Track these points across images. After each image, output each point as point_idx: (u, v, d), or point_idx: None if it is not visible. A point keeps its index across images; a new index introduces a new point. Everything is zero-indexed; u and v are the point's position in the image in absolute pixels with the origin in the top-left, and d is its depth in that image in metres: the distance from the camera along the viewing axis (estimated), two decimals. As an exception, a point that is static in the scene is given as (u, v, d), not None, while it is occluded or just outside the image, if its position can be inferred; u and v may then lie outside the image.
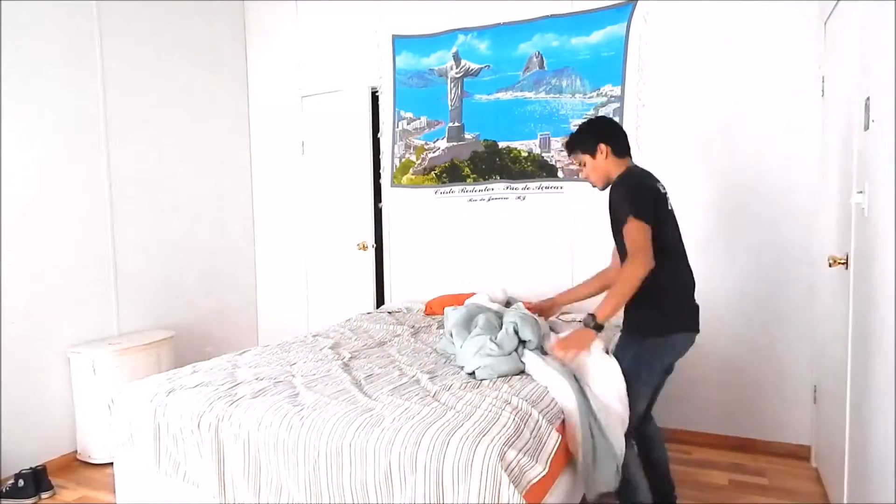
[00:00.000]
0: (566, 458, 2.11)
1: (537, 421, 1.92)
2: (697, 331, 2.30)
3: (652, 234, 2.10)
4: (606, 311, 2.11)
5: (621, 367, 2.21)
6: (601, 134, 2.33)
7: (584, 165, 2.37)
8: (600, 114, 3.53)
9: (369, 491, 1.79)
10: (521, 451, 1.73)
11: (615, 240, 2.33)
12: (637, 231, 2.09)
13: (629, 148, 2.37)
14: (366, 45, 4.18)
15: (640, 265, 2.07)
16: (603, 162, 2.32)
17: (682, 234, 2.32)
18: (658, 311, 2.22)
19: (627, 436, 2.20)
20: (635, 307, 2.21)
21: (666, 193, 2.28)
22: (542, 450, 1.84)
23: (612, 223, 2.30)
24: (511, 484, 1.63)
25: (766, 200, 3.22)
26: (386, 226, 4.28)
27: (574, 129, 3.56)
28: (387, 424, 1.85)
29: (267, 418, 2.01)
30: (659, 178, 2.31)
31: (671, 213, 2.27)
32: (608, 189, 2.34)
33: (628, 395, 2.19)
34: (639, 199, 2.15)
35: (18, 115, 3.16)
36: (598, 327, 2.14)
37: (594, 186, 2.42)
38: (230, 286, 4.54)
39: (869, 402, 2.03)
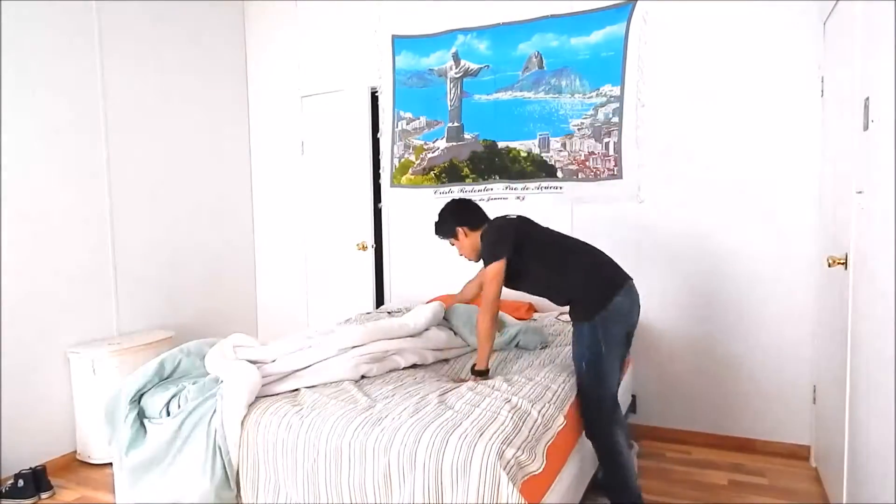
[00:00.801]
0: (566, 457, 2.11)
1: (535, 420, 1.92)
2: (625, 284, 2.42)
3: (527, 265, 2.43)
4: (480, 360, 2.39)
5: (582, 350, 2.36)
6: (456, 219, 2.62)
7: (455, 246, 2.66)
8: (599, 114, 3.54)
9: (368, 490, 1.79)
10: (519, 448, 1.73)
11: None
12: (490, 277, 2.39)
13: (484, 217, 2.64)
14: (365, 45, 4.18)
15: (485, 315, 2.37)
16: (466, 240, 2.59)
17: (562, 235, 2.61)
18: (586, 298, 2.40)
19: (614, 423, 2.37)
20: (571, 305, 2.46)
21: (522, 217, 2.62)
22: (539, 444, 1.84)
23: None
24: (510, 482, 1.63)
25: (765, 199, 3.22)
26: (385, 226, 4.28)
27: (574, 128, 3.61)
28: (386, 424, 1.85)
29: (266, 418, 2.01)
30: (512, 212, 2.72)
31: (541, 230, 2.59)
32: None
33: (599, 374, 2.33)
34: (490, 245, 2.47)
35: (18, 116, 3.16)
36: (484, 374, 2.37)
37: (470, 260, 2.65)
38: (230, 286, 4.54)
39: (868, 402, 2.03)
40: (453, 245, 2.66)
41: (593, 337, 2.32)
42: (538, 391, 2.16)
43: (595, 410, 2.33)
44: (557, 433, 1.94)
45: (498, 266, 2.37)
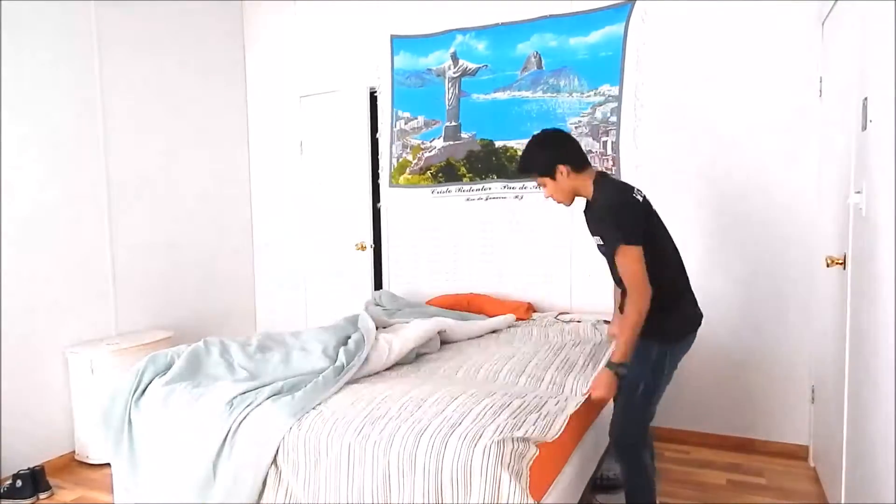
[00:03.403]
0: (566, 456, 2.11)
1: (537, 420, 1.92)
2: (700, 323, 2.29)
3: (645, 249, 2.06)
4: (622, 353, 2.07)
5: (644, 373, 2.15)
6: (557, 156, 2.19)
7: (543, 186, 2.27)
8: (597, 113, 3.54)
9: (366, 492, 1.79)
10: (520, 447, 1.73)
11: (607, 260, 2.26)
12: (630, 260, 2.05)
13: (586, 157, 2.25)
14: (364, 45, 4.18)
15: (640, 301, 2.03)
16: (566, 182, 2.20)
17: (668, 231, 2.26)
18: (675, 318, 2.20)
19: (645, 444, 2.27)
20: (652, 318, 2.08)
21: (646, 199, 2.20)
22: (540, 442, 1.84)
23: (601, 246, 2.24)
24: (512, 480, 1.63)
25: (763, 200, 3.22)
26: (384, 226, 4.28)
27: (571, 127, 3.61)
28: (385, 424, 1.85)
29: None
30: (635, 185, 2.26)
31: (658, 219, 2.21)
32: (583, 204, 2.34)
33: (651, 401, 2.19)
34: (626, 222, 2.08)
35: (17, 116, 3.15)
36: (621, 371, 2.09)
37: (560, 204, 2.30)
38: (228, 286, 4.53)
39: (867, 402, 2.03)
40: (542, 186, 2.27)
41: (660, 362, 2.16)
42: (542, 391, 2.16)
43: (634, 434, 2.21)
44: (559, 433, 1.94)
45: (639, 251, 2.04)
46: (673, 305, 2.17)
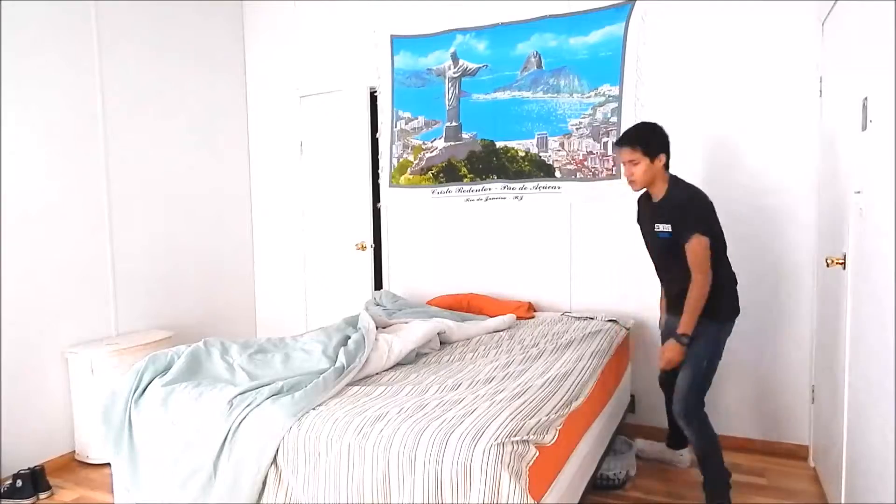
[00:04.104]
0: (566, 456, 2.11)
1: (538, 420, 1.92)
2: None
3: (711, 244, 2.47)
4: (687, 325, 2.50)
5: (707, 348, 2.60)
6: (666, 144, 2.56)
7: (635, 164, 2.55)
8: (598, 114, 3.54)
9: (366, 492, 1.79)
10: (520, 446, 1.73)
11: (657, 249, 2.69)
12: (701, 248, 2.45)
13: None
14: (364, 45, 4.18)
15: (704, 282, 2.47)
16: (658, 170, 2.56)
17: (723, 233, 2.63)
18: (726, 300, 2.62)
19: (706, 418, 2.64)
20: (713, 300, 2.51)
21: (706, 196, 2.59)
22: (541, 442, 1.84)
23: (661, 235, 2.59)
24: (511, 480, 1.63)
25: (763, 200, 3.22)
26: (384, 226, 4.28)
27: (572, 128, 3.61)
28: (385, 424, 1.85)
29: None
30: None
31: (719, 221, 2.59)
32: (639, 194, 2.76)
33: (711, 372, 2.67)
34: (705, 216, 2.52)
35: (17, 116, 3.16)
36: (684, 341, 2.52)
37: (630, 184, 2.64)
38: (228, 287, 4.53)
39: (867, 402, 2.03)
40: (632, 162, 2.57)
41: (718, 338, 2.62)
42: (545, 390, 2.16)
43: (700, 402, 2.61)
44: (559, 433, 1.94)
45: (708, 241, 2.46)
46: (724, 293, 2.57)
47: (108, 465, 2.41)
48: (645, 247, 2.83)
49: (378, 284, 4.35)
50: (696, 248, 2.45)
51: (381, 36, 4.11)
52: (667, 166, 2.59)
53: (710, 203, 2.57)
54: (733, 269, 2.70)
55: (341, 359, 2.36)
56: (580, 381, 2.35)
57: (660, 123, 2.63)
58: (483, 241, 3.93)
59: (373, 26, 4.13)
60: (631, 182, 2.62)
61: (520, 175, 3.76)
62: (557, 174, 3.66)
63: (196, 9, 4.23)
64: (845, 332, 2.30)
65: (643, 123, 2.69)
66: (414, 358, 2.74)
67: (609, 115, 3.50)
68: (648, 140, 2.54)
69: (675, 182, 2.60)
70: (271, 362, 2.42)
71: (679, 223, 2.51)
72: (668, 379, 2.80)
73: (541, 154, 3.70)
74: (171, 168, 4.05)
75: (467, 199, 3.92)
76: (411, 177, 4.09)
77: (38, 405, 3.26)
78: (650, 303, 3.47)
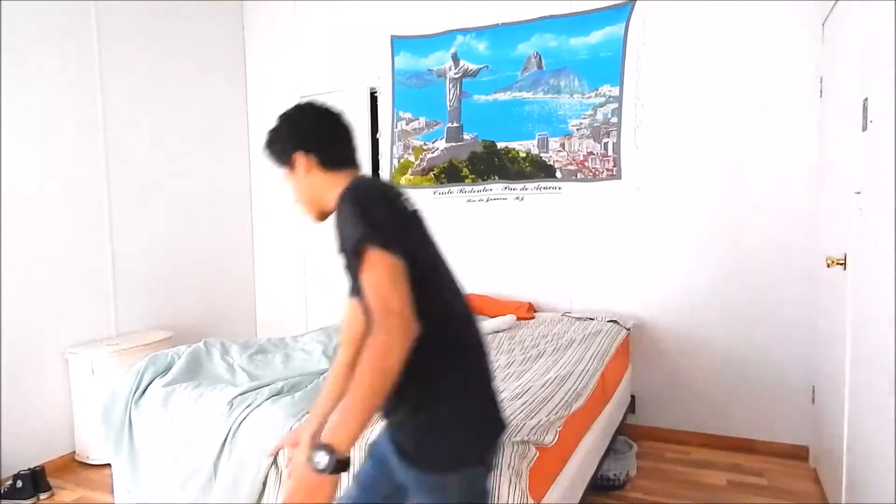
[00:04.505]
0: (566, 457, 2.11)
1: (539, 420, 1.92)
2: (492, 457, 1.36)
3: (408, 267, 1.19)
4: (350, 431, 1.11)
5: None
6: (302, 135, 1.45)
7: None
8: (598, 115, 3.53)
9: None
10: (520, 446, 1.73)
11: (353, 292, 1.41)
12: (379, 271, 1.16)
13: (351, 156, 1.47)
14: (364, 45, 4.18)
15: (388, 340, 1.11)
16: (304, 179, 1.44)
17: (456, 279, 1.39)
18: (462, 405, 1.30)
19: None
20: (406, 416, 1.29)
21: (419, 213, 1.40)
22: (541, 442, 1.84)
23: (346, 268, 1.34)
24: (512, 480, 1.63)
25: (764, 200, 3.22)
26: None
27: (572, 129, 3.61)
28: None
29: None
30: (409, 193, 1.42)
31: (435, 246, 1.38)
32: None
33: None
34: (374, 214, 1.22)
35: (17, 116, 3.16)
36: (340, 465, 1.10)
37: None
38: (229, 287, 4.53)
39: (867, 403, 2.03)
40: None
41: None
42: (545, 390, 2.16)
43: None
44: (559, 434, 1.94)
45: (392, 261, 1.18)
46: (452, 387, 1.28)
47: (109, 465, 2.42)
48: None
49: (378, 285, 4.34)
50: (370, 273, 1.17)
51: (381, 36, 4.11)
52: (326, 164, 1.42)
53: (392, 198, 1.32)
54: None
55: None
56: (580, 382, 2.35)
57: (306, 102, 1.53)
58: (484, 241, 3.93)
59: (373, 26, 4.13)
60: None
61: (521, 176, 3.76)
62: (558, 175, 3.66)
63: (196, 9, 4.23)
64: (846, 333, 2.30)
65: (278, 119, 1.50)
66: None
67: (610, 115, 3.50)
68: (273, 144, 1.48)
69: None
70: (271, 363, 2.42)
71: (340, 237, 1.29)
72: None
73: (542, 155, 3.70)
74: (172, 168, 4.05)
75: (468, 200, 3.92)
76: (412, 177, 4.09)
77: (39, 405, 3.26)
78: (650, 303, 3.49)
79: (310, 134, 1.45)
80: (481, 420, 1.31)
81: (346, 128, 1.49)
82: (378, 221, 1.20)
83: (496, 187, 3.84)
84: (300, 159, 1.42)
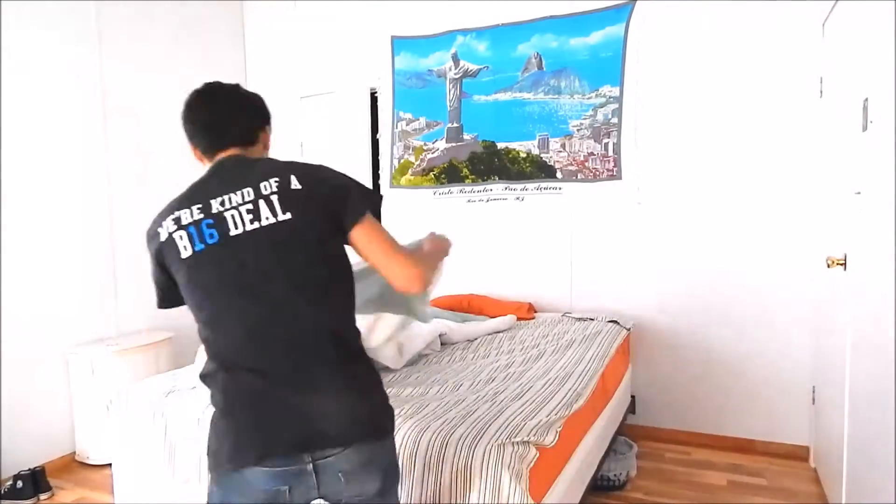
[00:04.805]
0: (566, 457, 2.11)
1: (539, 421, 1.92)
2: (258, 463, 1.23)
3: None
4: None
5: None
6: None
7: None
8: (599, 115, 3.54)
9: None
10: (520, 446, 1.73)
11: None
12: None
13: (213, 140, 1.46)
14: (364, 45, 4.18)
15: None
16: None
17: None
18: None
19: None
20: None
21: (182, 230, 1.34)
22: (542, 442, 1.84)
23: None
24: (512, 481, 1.63)
25: (764, 200, 3.22)
26: (384, 226, 4.27)
27: (573, 129, 3.61)
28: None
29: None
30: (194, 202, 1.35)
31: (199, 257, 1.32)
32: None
33: None
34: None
35: (18, 116, 3.16)
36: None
37: None
38: (229, 287, 4.53)
39: (867, 403, 2.03)
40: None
41: None
42: (546, 391, 2.16)
43: None
44: (559, 434, 1.94)
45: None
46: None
47: (109, 465, 2.42)
48: None
49: (378, 285, 4.34)
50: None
51: (381, 37, 4.11)
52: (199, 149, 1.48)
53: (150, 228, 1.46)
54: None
55: None
56: (581, 383, 2.35)
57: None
58: (484, 241, 3.93)
59: (373, 27, 4.13)
60: None
61: (521, 176, 3.76)
62: (559, 175, 3.66)
63: (196, 9, 4.23)
64: (846, 333, 2.30)
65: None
66: (416, 359, 2.74)
67: (610, 115, 3.50)
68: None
69: None
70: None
71: None
72: None
73: (542, 155, 3.70)
74: (173, 168, 4.04)
75: (469, 200, 3.92)
76: (412, 178, 4.09)
77: (39, 406, 3.26)
78: (650, 304, 3.49)
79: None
80: None
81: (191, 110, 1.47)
82: None
83: (496, 188, 3.84)
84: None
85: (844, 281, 2.34)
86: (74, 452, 3.40)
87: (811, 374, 3.14)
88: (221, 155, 1.43)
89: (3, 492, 2.90)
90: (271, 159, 1.46)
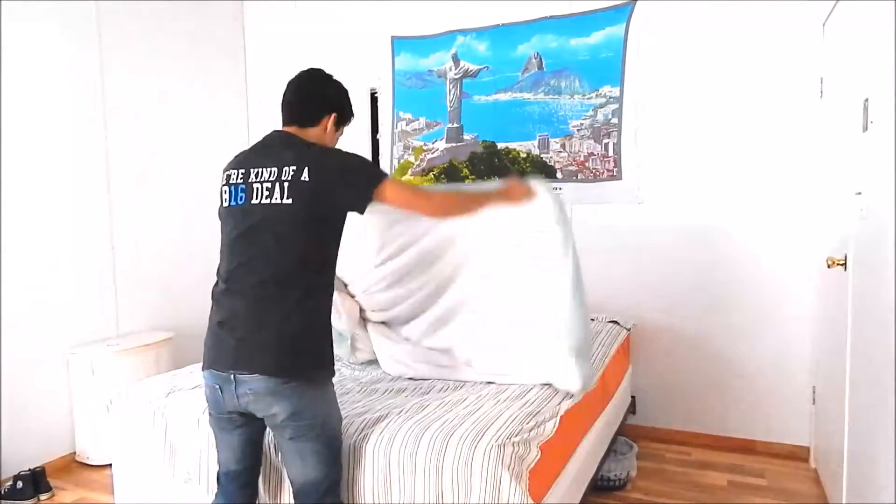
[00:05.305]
0: (566, 457, 2.11)
1: (539, 421, 1.92)
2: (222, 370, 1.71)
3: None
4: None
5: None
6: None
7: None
8: (599, 115, 3.54)
9: (367, 492, 1.79)
10: (520, 446, 1.73)
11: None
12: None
13: (284, 116, 2.04)
14: (364, 45, 4.18)
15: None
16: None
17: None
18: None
19: None
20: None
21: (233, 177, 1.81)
22: (540, 437, 1.84)
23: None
24: (512, 481, 1.63)
25: (764, 200, 3.22)
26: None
27: (573, 129, 3.61)
28: (386, 425, 1.85)
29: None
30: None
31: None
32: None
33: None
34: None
35: (18, 116, 3.16)
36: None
37: None
38: (229, 287, 4.52)
39: (868, 403, 2.03)
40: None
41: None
42: (546, 391, 2.16)
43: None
44: (556, 432, 1.94)
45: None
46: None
47: (109, 466, 2.41)
48: None
49: (379, 285, 4.34)
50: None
51: (381, 37, 4.11)
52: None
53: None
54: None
55: None
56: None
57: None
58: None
59: (373, 27, 4.13)
60: None
61: (521, 176, 3.75)
62: (559, 175, 3.66)
63: (196, 8, 4.23)
64: (846, 333, 2.30)
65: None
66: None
67: (610, 116, 3.50)
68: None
69: None
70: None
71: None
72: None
73: (542, 155, 3.70)
74: (173, 168, 4.05)
75: (468, 200, 3.91)
76: (412, 178, 4.09)
77: (39, 406, 3.25)
78: (651, 304, 3.49)
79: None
80: None
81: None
82: None
83: (496, 188, 3.83)
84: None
85: (844, 281, 2.34)
86: (74, 452, 3.40)
87: (811, 374, 3.14)
88: (286, 129, 1.95)
89: (3, 492, 2.90)
90: (304, 146, 1.81)
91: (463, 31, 3.88)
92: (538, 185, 2.15)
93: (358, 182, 1.73)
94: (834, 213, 2.68)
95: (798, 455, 3.20)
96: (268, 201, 1.67)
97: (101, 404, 2.62)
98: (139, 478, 2.25)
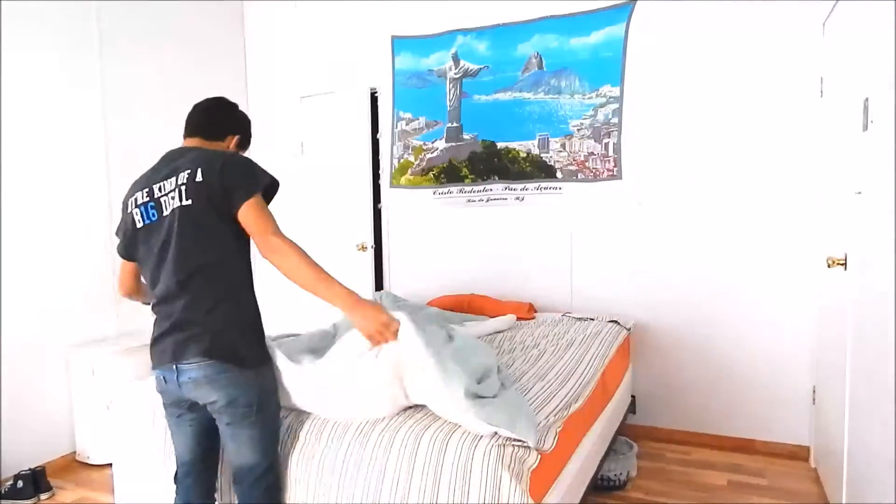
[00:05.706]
0: (566, 457, 2.11)
1: (539, 422, 1.92)
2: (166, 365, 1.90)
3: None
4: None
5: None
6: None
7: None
8: (599, 115, 3.54)
9: (367, 491, 1.79)
10: (520, 446, 1.73)
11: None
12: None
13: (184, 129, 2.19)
14: (365, 45, 4.18)
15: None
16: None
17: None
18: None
19: None
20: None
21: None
22: (541, 443, 1.84)
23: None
24: (512, 481, 1.63)
25: (764, 200, 3.22)
26: (385, 227, 4.28)
27: (573, 129, 3.61)
28: (386, 425, 1.85)
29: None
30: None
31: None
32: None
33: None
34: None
35: (18, 116, 3.16)
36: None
37: None
38: (229, 287, 4.53)
39: (868, 403, 2.03)
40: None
41: None
42: (546, 391, 2.16)
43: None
44: (559, 436, 1.94)
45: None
46: None
47: (109, 465, 2.42)
48: None
49: (378, 285, 4.35)
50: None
51: (381, 37, 4.11)
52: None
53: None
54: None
55: None
56: (581, 383, 2.36)
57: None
58: (484, 241, 3.93)
59: (374, 27, 4.13)
60: None
61: (521, 176, 3.76)
62: (559, 175, 3.66)
63: (196, 9, 4.23)
64: (846, 333, 2.30)
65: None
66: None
67: (610, 115, 3.50)
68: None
69: None
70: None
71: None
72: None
73: (542, 155, 3.70)
74: (172, 169, 4.05)
75: (468, 200, 3.92)
76: (412, 177, 4.09)
77: (39, 406, 3.26)
78: (650, 303, 3.49)
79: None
80: None
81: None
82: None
83: (496, 187, 3.84)
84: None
85: (844, 281, 2.34)
86: (75, 452, 3.40)
87: (811, 374, 3.14)
88: (187, 142, 2.08)
89: (3, 492, 2.90)
90: (197, 152, 1.89)
91: (463, 31, 3.88)
92: (403, 326, 1.82)
93: (233, 186, 1.76)
94: (834, 212, 2.68)
95: (798, 455, 3.20)
96: (177, 207, 1.77)
97: (101, 404, 2.63)
98: (139, 478, 2.25)
